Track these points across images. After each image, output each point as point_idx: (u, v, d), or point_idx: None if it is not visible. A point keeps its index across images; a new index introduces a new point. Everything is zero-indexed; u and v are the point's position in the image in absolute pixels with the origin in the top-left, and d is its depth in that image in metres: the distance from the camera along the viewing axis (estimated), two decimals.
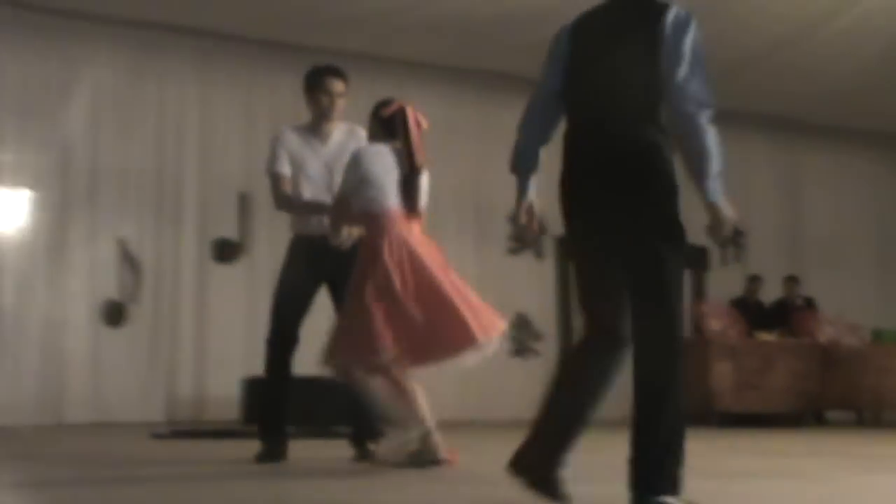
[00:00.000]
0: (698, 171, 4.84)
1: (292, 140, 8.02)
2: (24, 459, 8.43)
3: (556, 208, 14.43)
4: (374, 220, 7.17)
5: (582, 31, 5.09)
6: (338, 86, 7.94)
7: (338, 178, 7.62)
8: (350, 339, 7.07)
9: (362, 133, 7.96)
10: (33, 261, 13.39)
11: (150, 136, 14.16)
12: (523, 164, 5.44)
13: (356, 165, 7.25)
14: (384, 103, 7.45)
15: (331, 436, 9.88)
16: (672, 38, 4.71)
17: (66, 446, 10.03)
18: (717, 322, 15.78)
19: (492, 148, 15.52)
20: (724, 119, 13.61)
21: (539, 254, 16.20)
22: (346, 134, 8.06)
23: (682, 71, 4.69)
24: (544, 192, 14.71)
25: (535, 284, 16.54)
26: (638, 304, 4.88)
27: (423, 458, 7.00)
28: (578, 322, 15.32)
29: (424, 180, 7.38)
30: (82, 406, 13.39)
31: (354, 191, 7.19)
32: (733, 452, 9.47)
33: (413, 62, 15.19)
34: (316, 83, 7.97)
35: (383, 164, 7.23)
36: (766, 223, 17.98)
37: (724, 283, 17.38)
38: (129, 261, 13.92)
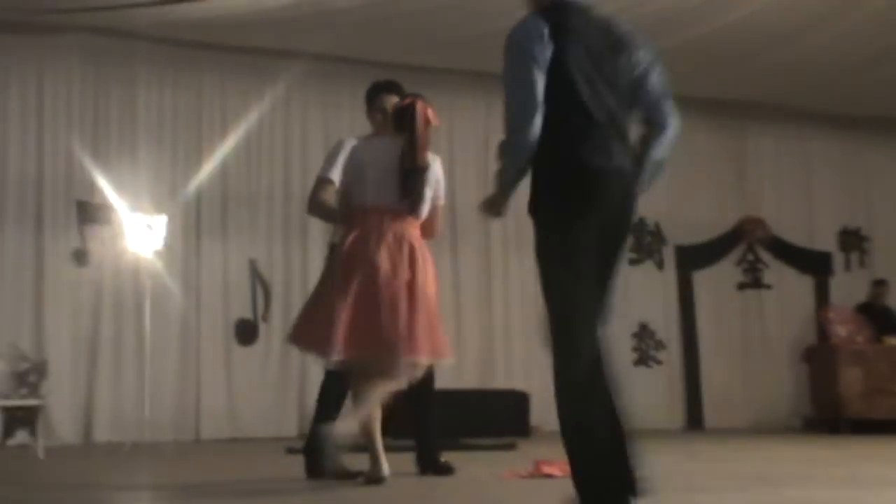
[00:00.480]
0: None
1: (353, 149, 7.85)
2: (166, 474, 8.73)
3: (676, 217, 14.07)
4: (363, 213, 7.15)
5: None
6: (391, 101, 7.83)
7: None
8: (310, 328, 7.05)
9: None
10: (170, 283, 13.53)
11: (277, 160, 14.34)
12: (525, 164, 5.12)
13: (338, 151, 7.37)
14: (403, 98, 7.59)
15: (463, 448, 9.93)
16: None
17: (203, 461, 10.35)
18: (843, 328, 15.70)
19: None
20: (851, 125, 13.34)
21: (660, 264, 16.38)
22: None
23: None
24: (666, 201, 14.40)
25: (657, 294, 16.46)
26: None
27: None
28: (703, 331, 15.11)
29: (432, 177, 7.29)
30: (217, 422, 13.64)
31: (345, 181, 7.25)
32: (866, 460, 9.32)
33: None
34: (371, 99, 7.95)
35: (374, 155, 7.28)
36: (892, 226, 17.83)
37: (848, 288, 17.20)
38: (260, 281, 14.20)
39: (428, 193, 7.18)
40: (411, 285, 6.90)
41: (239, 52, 14.22)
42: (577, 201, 4.83)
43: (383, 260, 6.88)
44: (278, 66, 14.11)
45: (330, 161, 7.55)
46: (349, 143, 7.64)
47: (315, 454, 7.28)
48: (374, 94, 7.91)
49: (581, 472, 4.84)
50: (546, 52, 4.92)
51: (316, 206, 7.46)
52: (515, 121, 4.90)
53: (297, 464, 7.94)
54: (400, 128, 7.27)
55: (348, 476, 7.37)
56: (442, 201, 7.50)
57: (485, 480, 7.46)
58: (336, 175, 7.48)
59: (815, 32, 13.44)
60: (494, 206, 5.10)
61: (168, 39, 13.59)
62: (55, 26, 13.15)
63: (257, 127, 14.03)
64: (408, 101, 7.39)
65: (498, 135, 5.17)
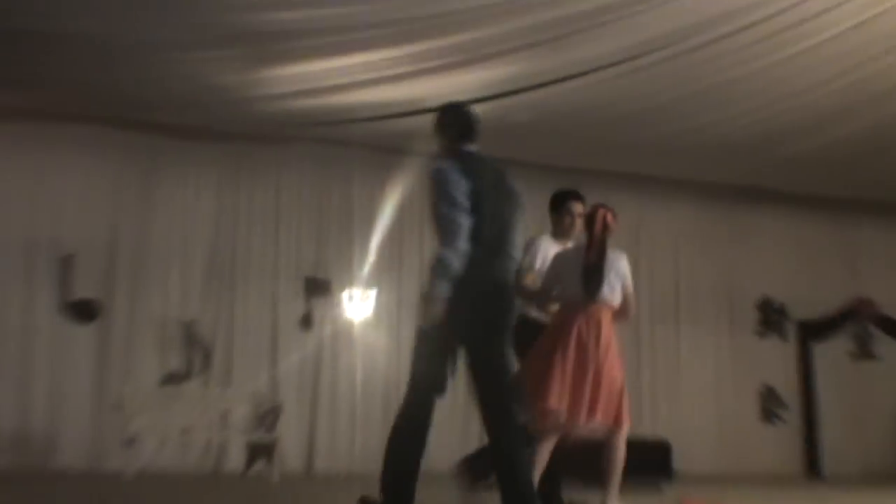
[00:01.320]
0: None
1: (547, 247, 8.23)
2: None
3: (800, 296, 15.35)
4: (566, 303, 7.51)
5: None
6: (578, 207, 8.20)
7: None
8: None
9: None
10: (381, 346, 14.76)
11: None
12: None
13: (535, 248, 8.14)
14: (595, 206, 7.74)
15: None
16: None
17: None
18: None
19: (739, 249, 17.16)
20: None
21: (785, 336, 17.49)
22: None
23: None
24: (787, 280, 15.56)
25: (780, 362, 17.33)
26: None
27: None
28: (823, 395, 16.25)
29: (621, 270, 7.54)
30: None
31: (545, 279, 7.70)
32: None
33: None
34: (561, 205, 8.29)
35: (569, 256, 7.67)
36: None
37: None
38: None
39: (616, 284, 7.47)
40: (597, 361, 7.23)
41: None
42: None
43: (582, 340, 7.25)
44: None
45: (530, 255, 8.09)
46: (542, 242, 8.25)
47: None
48: (564, 200, 8.29)
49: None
50: (463, 187, 5.80)
51: (520, 291, 7.40)
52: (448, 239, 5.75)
53: None
54: (587, 230, 7.59)
55: None
56: (630, 290, 7.58)
57: None
58: (535, 265, 8.03)
59: None
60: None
61: (379, 147, 14.70)
62: (290, 138, 14.44)
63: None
64: (592, 208, 7.71)
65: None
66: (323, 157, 14.95)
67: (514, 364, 6.42)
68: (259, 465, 13.34)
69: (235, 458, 13.75)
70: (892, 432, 17.41)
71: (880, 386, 17.82)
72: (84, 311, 13.67)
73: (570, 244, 8.17)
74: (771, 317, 17.36)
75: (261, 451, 13.38)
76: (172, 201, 14.31)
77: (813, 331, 17.68)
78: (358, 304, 14.60)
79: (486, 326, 5.93)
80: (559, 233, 8.32)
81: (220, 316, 14.42)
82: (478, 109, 12.46)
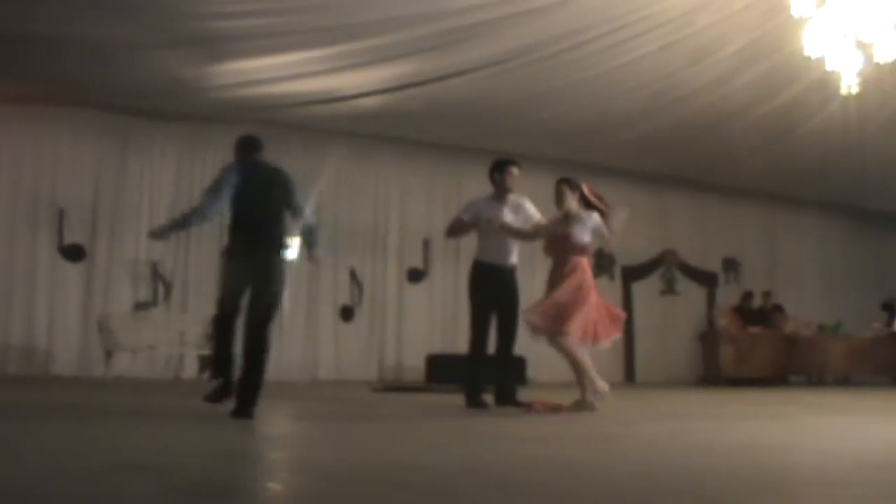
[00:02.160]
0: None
1: (481, 204, 8.12)
2: (293, 402, 9.22)
3: (625, 247, 15.35)
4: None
5: None
6: (516, 171, 8.13)
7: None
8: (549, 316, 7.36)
9: (526, 201, 8.13)
10: (302, 282, 14.39)
11: (369, 205, 15.40)
12: None
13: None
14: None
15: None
16: None
17: (317, 393, 10.77)
18: (724, 321, 16.87)
19: None
20: (722, 193, 14.95)
21: (613, 277, 17.48)
22: (515, 199, 8.14)
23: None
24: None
25: (609, 297, 16.11)
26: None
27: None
28: (638, 321, 16.39)
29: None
30: (329, 369, 14.69)
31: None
32: (737, 402, 9.80)
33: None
34: (504, 168, 8.12)
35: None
36: (754, 259, 19.16)
37: (727, 296, 18.39)
38: (356, 282, 15.21)
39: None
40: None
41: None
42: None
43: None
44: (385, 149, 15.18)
45: (469, 211, 8.14)
46: (480, 201, 8.18)
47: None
48: (507, 165, 8.15)
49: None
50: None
51: (450, 230, 8.35)
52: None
53: (377, 397, 8.63)
54: (585, 202, 7.79)
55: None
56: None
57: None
58: (466, 216, 8.11)
59: None
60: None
61: (305, 127, 14.42)
62: (235, 119, 13.30)
63: (357, 183, 15.05)
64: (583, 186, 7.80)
65: None
66: (261, 134, 14.34)
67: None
68: (208, 373, 12.90)
69: (190, 368, 13.79)
70: (689, 349, 17.74)
71: (681, 314, 18.24)
72: (74, 253, 13.58)
73: (511, 199, 8.14)
74: (603, 262, 17.48)
75: (209, 362, 13.30)
76: (142, 169, 14.17)
77: (633, 273, 18.01)
78: (293, 249, 14.36)
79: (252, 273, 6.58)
80: (501, 191, 8.17)
81: (178, 257, 14.28)
82: (382, 99, 12.58)
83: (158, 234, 7.14)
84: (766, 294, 17.98)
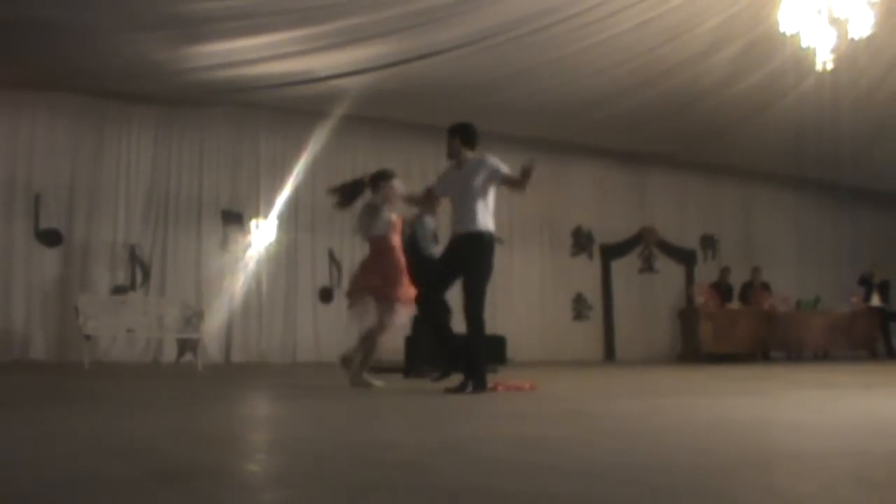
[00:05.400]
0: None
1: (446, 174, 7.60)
2: (273, 383, 9.19)
3: (603, 225, 15.67)
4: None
5: None
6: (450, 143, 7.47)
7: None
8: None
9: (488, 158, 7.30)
10: (280, 265, 14.79)
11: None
12: None
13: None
14: None
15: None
16: None
17: (296, 374, 10.88)
18: (702, 297, 16.88)
19: (558, 190, 17.25)
20: (702, 171, 15.08)
21: (591, 256, 17.70)
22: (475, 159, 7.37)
23: None
24: (594, 213, 15.97)
25: (588, 275, 17.70)
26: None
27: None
28: (617, 299, 16.79)
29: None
30: (308, 351, 14.79)
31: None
32: (715, 379, 9.79)
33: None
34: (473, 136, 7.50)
35: None
36: (731, 236, 19.41)
37: (705, 273, 18.61)
38: (335, 263, 15.29)
39: None
40: None
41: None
42: None
43: None
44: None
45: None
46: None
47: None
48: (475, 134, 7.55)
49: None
50: None
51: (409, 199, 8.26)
52: None
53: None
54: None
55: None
56: None
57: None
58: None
59: None
60: None
61: (279, 108, 14.48)
62: (211, 101, 14.15)
63: (332, 166, 14.77)
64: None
65: None
66: (237, 116, 14.76)
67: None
68: (187, 357, 13.44)
69: (169, 352, 13.81)
70: (667, 328, 17.91)
71: (659, 293, 18.48)
72: (50, 238, 13.54)
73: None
74: (581, 241, 17.79)
75: (188, 345, 13.48)
76: (119, 152, 14.12)
77: (612, 252, 18.09)
78: (263, 231, 14.68)
79: None
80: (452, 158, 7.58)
81: (157, 240, 14.31)
82: (357, 80, 12.54)
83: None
84: (756, 270, 18.09)
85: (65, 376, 9.52)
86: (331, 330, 14.83)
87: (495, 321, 15.62)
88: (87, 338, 12.05)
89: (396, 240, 8.03)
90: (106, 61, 11.95)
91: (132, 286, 13.93)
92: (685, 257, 18.87)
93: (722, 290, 17.50)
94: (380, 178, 8.08)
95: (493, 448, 3.64)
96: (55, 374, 10.08)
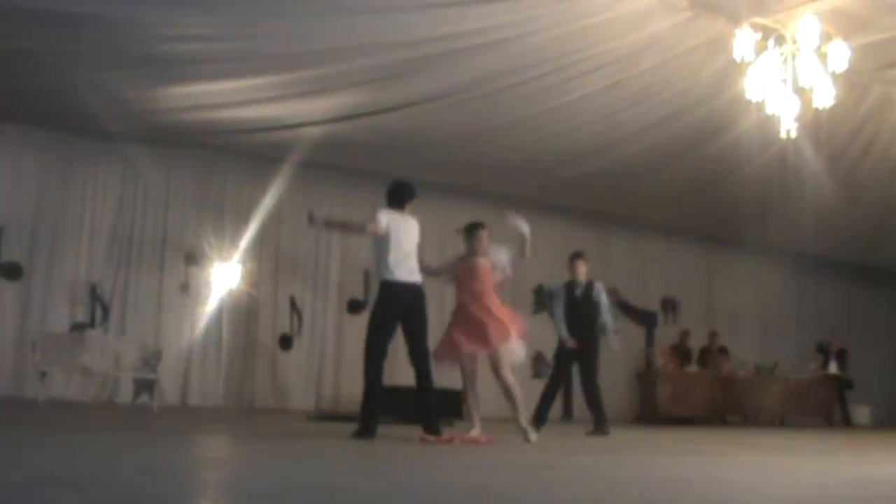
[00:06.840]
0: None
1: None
2: (229, 426, 9.27)
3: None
4: None
5: None
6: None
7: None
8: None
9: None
10: (241, 310, 14.76)
11: (310, 234, 14.98)
12: None
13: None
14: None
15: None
16: None
17: (255, 422, 10.85)
18: (662, 359, 17.01)
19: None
20: (666, 233, 15.13)
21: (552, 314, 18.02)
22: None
23: None
24: (556, 271, 15.94)
25: (548, 334, 17.43)
26: None
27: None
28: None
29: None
30: (266, 397, 14.78)
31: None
32: (671, 439, 9.97)
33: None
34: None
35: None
36: (693, 299, 19.52)
37: (665, 335, 18.59)
38: (296, 309, 15.27)
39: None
40: None
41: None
42: None
43: None
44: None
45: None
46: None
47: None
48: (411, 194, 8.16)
49: None
50: None
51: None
52: None
53: (314, 425, 8.73)
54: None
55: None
56: None
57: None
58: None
59: None
60: None
61: (246, 153, 14.53)
62: (179, 143, 14.10)
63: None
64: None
65: None
66: (204, 159, 14.80)
67: None
68: (143, 398, 13.35)
69: (125, 392, 13.70)
70: (625, 389, 17.80)
71: (619, 352, 17.86)
72: (11, 271, 13.46)
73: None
74: (542, 299, 17.63)
75: (145, 386, 13.38)
76: (84, 189, 14.12)
77: None
78: (225, 275, 14.61)
79: None
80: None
81: (118, 279, 14.24)
82: (325, 129, 12.57)
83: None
84: (713, 334, 18.19)
85: (19, 411, 9.52)
86: (290, 377, 14.87)
87: (454, 376, 15.86)
88: (43, 374, 11.94)
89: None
90: (76, 98, 11.90)
91: (91, 324, 13.80)
92: (646, 319, 18.86)
93: (681, 352, 17.58)
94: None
95: (445, 494, 3.62)
96: (9, 408, 10.06)
